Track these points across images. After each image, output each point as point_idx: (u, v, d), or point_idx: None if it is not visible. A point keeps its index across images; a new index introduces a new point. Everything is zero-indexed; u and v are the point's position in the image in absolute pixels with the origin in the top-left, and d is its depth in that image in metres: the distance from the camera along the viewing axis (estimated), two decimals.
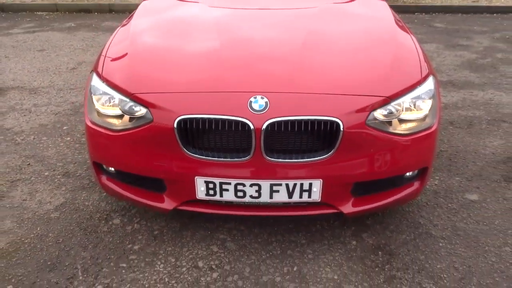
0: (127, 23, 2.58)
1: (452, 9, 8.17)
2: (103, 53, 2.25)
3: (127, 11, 7.93)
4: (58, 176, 2.73)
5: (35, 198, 2.51)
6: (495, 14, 8.09)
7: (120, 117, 1.96)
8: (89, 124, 2.04)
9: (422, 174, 2.10)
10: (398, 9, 8.11)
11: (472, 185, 2.67)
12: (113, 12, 7.91)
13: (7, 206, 2.44)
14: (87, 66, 4.91)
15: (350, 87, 1.91)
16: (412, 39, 2.36)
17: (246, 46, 2.20)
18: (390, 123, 1.92)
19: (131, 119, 1.93)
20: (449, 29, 6.87)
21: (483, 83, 4.48)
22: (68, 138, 3.23)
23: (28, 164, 2.87)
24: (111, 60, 2.16)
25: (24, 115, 3.62)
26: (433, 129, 2.00)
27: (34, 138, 3.23)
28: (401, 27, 2.52)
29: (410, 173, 2.07)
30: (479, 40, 6.18)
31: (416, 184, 2.11)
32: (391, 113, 1.91)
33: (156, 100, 1.87)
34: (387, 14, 2.64)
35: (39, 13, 7.79)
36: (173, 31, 2.40)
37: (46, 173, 2.76)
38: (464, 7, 8.25)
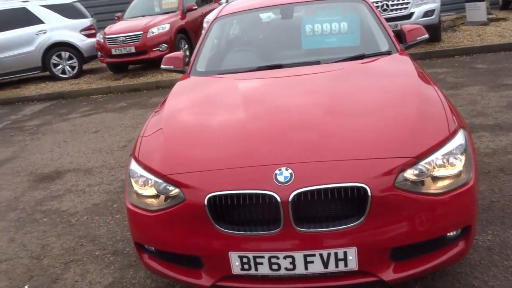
0: (161, 107, 2.77)
1: (493, 48, 8.00)
2: (139, 137, 2.42)
3: (172, 86, 8.47)
4: (108, 255, 2.85)
5: (86, 279, 2.62)
6: None
7: (156, 197, 2.07)
8: (129, 206, 2.16)
9: (466, 233, 1.99)
10: (436, 54, 8.12)
11: None
12: (160, 88, 8.46)
13: None
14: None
15: (375, 150, 1.91)
16: (437, 92, 2.34)
17: (270, 116, 2.28)
18: (423, 182, 1.87)
19: (166, 199, 2.03)
20: (492, 69, 6.69)
21: None
22: (118, 216, 3.40)
23: (81, 245, 3.03)
24: (146, 144, 2.32)
25: (79, 196, 3.87)
26: (470, 184, 1.92)
27: (87, 218, 3.42)
28: (425, 80, 2.51)
29: (453, 233, 1.97)
30: None
31: (461, 244, 2.00)
32: (421, 172, 1.87)
33: (187, 180, 1.96)
34: (410, 68, 2.66)
35: (95, 96, 8.50)
36: (202, 109, 2.56)
37: (97, 253, 2.90)
38: (506, 44, 8.05)
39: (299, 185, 1.80)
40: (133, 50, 8.90)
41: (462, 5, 10.84)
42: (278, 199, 1.79)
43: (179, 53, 3.49)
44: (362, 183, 1.78)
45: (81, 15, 10.13)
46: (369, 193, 1.78)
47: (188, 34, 9.67)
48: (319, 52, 3.19)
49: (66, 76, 9.77)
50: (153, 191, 2.07)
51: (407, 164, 1.85)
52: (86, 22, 10.06)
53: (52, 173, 4.58)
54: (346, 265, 1.86)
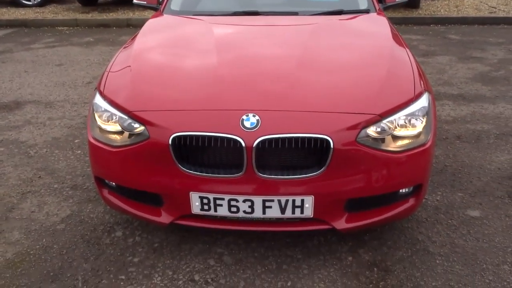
0: (131, 43, 2.68)
1: (468, 20, 8.09)
2: (106, 72, 2.34)
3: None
4: (67, 189, 2.83)
5: (43, 210, 2.61)
6: None
7: (120, 133, 2.04)
8: (91, 140, 2.12)
9: (417, 190, 2.10)
10: (413, 21, 8.14)
11: (474, 201, 2.64)
12: (131, 27, 8.12)
13: (17, 217, 2.54)
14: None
15: (341, 105, 1.94)
16: (408, 55, 2.37)
17: (242, 64, 2.26)
18: (383, 140, 1.94)
19: (130, 136, 2.01)
20: (464, 40, 6.80)
21: (495, 96, 4.43)
22: (79, 151, 3.34)
23: (39, 177, 2.98)
24: (113, 79, 2.25)
25: (39, 129, 3.76)
26: (427, 146, 2.01)
27: (46, 151, 3.35)
28: (398, 43, 2.54)
29: (405, 190, 2.08)
30: (494, 52, 6.10)
31: (411, 201, 2.11)
32: (383, 130, 1.93)
33: (153, 118, 1.94)
34: (385, 29, 2.67)
35: (60, 28, 8.07)
36: (173, 50, 2.49)
37: (55, 186, 2.87)
38: (480, 18, 8.16)
39: (264, 132, 1.82)
40: None
41: None
42: (243, 144, 1.81)
43: None
44: (325, 135, 1.82)
45: None
46: (331, 146, 1.82)
47: None
48: (297, 3, 3.13)
49: (30, 3, 9.18)
50: (117, 127, 2.04)
51: (371, 121, 1.90)
52: None
53: (11, 103, 4.39)
54: (302, 212, 1.93)
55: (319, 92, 2.01)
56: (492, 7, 8.94)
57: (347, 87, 2.05)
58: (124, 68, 2.31)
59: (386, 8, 3.18)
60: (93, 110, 2.16)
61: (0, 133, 3.68)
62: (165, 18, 3.01)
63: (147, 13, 8.53)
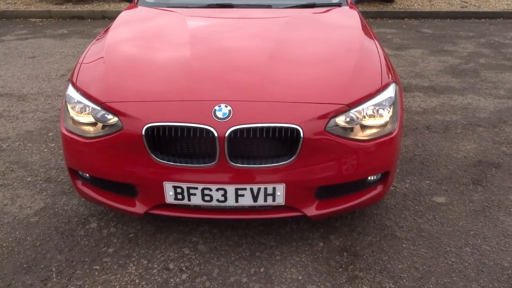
0: (104, 34, 2.67)
1: (440, 14, 8.29)
2: (79, 63, 2.34)
3: None
4: (40, 182, 2.81)
5: (16, 203, 2.59)
6: (483, 20, 8.22)
7: (93, 124, 2.05)
8: (64, 131, 2.12)
9: (384, 178, 2.18)
10: (388, 15, 8.28)
11: (441, 188, 2.75)
12: (106, 19, 8.00)
13: None
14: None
15: (311, 96, 2.00)
16: (377, 47, 2.45)
17: (215, 56, 2.28)
18: (352, 129, 2.00)
19: (103, 127, 2.02)
20: (436, 34, 6.97)
21: (464, 88, 4.58)
22: (53, 144, 3.32)
23: (11, 170, 2.95)
24: (85, 70, 2.25)
25: (11, 122, 3.71)
26: (393, 134, 2.08)
27: (19, 145, 3.31)
28: (368, 35, 2.61)
29: (373, 177, 2.15)
30: (464, 46, 6.28)
31: (379, 188, 2.19)
32: (352, 120, 1.99)
33: (125, 109, 1.95)
34: (356, 23, 2.74)
35: (33, 20, 7.89)
36: (146, 42, 2.49)
37: (29, 179, 2.85)
38: (452, 12, 8.36)
39: (236, 122, 1.86)
40: None
41: None
42: (215, 134, 1.85)
43: None
44: (295, 124, 1.88)
45: None
46: (301, 135, 1.88)
47: None
48: None
49: None
50: (90, 119, 2.05)
51: (339, 111, 1.96)
52: None
53: None
54: (274, 200, 1.99)
55: (290, 83, 2.06)
56: (464, 1, 9.17)
57: (317, 79, 2.11)
58: (96, 59, 2.31)
59: (357, 2, 3.24)
60: (65, 102, 2.16)
61: None
62: (139, 10, 3.01)
63: (123, 5, 8.42)
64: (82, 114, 2.08)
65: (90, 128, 2.05)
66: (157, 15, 2.91)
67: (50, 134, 3.50)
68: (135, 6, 3.13)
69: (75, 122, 2.10)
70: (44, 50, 5.93)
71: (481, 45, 6.31)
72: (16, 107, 4.03)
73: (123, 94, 2.02)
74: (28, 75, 4.91)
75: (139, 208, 2.08)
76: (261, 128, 1.87)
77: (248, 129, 1.86)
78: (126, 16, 2.93)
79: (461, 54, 5.86)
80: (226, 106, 1.90)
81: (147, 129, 1.89)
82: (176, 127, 1.88)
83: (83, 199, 2.59)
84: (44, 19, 7.94)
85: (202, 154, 1.93)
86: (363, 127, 2.03)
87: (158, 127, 1.89)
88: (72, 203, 2.59)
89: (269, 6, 2.96)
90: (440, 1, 9.20)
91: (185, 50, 2.31)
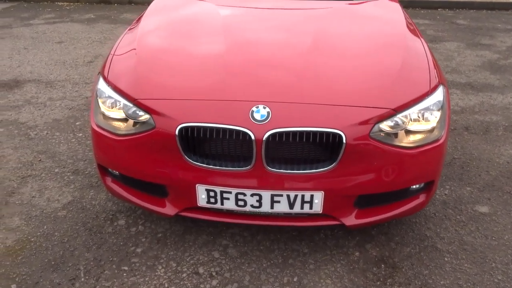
0: (136, 24, 2.58)
1: (476, 5, 7.92)
2: (110, 56, 2.26)
3: (146, 3, 7.93)
4: (68, 174, 2.77)
5: (44, 196, 2.55)
6: None
7: (124, 120, 1.97)
8: (94, 127, 2.05)
9: (428, 187, 2.05)
10: (420, 4, 7.96)
11: (483, 196, 2.60)
12: (133, 4, 7.93)
13: (17, 203, 2.49)
14: (104, 59, 4.95)
15: (355, 98, 1.87)
16: (423, 45, 2.29)
17: (251, 51, 2.17)
18: (396, 135, 1.87)
19: (135, 124, 1.94)
20: (472, 26, 6.67)
21: (503, 86, 4.35)
22: (80, 134, 3.28)
23: (39, 160, 2.92)
24: (117, 64, 2.17)
25: (39, 109, 3.68)
26: (440, 141, 1.94)
27: (47, 133, 3.28)
28: (413, 32, 2.45)
29: (416, 186, 2.02)
30: (503, 39, 5.98)
31: (421, 197, 2.06)
32: (397, 125, 1.86)
33: (159, 107, 1.86)
34: (399, 17, 2.57)
35: (60, 3, 7.88)
36: (179, 34, 2.39)
37: (56, 170, 2.81)
38: (489, 3, 7.98)
39: (275, 125, 1.75)
40: None
41: None
42: (252, 137, 1.75)
43: None
44: (338, 129, 1.76)
45: None
46: (344, 141, 1.76)
47: None
48: None
49: None
50: (121, 114, 1.97)
51: (385, 116, 1.83)
52: None
53: (10, 81, 4.30)
54: (311, 207, 1.88)
55: (332, 83, 1.94)
56: None
57: (361, 79, 1.97)
58: (128, 52, 2.22)
59: None
60: (96, 96, 2.09)
61: None
62: (171, 0, 2.89)
63: None
64: (113, 109, 2.01)
65: (121, 125, 1.98)
66: (189, 4, 2.79)
67: (77, 123, 3.45)
68: None
69: (105, 117, 2.03)
70: (71, 35, 5.90)
71: None
72: (44, 94, 4.01)
73: (156, 91, 1.93)
74: (55, 61, 4.89)
75: (169, 210, 2.01)
76: (301, 132, 1.76)
77: (288, 133, 1.75)
78: (158, 5, 2.83)
79: (500, 48, 5.58)
80: (264, 108, 1.79)
81: (180, 129, 1.80)
82: (211, 128, 1.78)
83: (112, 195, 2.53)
84: (71, 3, 7.92)
85: (238, 157, 1.83)
86: (408, 133, 1.90)
87: (192, 127, 1.79)
88: (100, 198, 2.54)
89: None
90: None
91: (220, 43, 2.20)
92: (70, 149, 3.07)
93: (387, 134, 1.85)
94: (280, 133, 1.75)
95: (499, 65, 4.97)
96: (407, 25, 2.48)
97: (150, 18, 2.61)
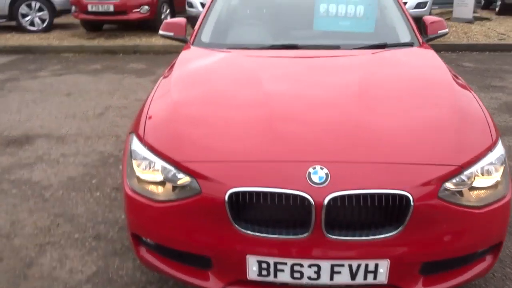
0: (167, 77, 2.45)
1: (478, 47, 8.03)
2: (144, 112, 2.11)
3: (151, 52, 8.00)
4: (89, 239, 2.56)
5: (65, 266, 2.33)
6: None
7: (161, 184, 1.81)
8: (129, 192, 1.88)
9: (495, 248, 1.87)
10: None
11: None
12: (138, 53, 7.96)
13: (36, 276, 2.26)
14: (114, 111, 4.84)
15: (418, 155, 1.72)
16: (473, 95, 2.18)
17: (299, 106, 2.04)
18: (461, 193, 1.72)
19: (174, 188, 1.77)
20: (479, 68, 6.69)
21: None
22: (98, 194, 3.09)
23: (57, 225, 2.72)
24: (153, 122, 2.02)
25: (52, 167, 3.51)
26: (507, 198, 1.79)
27: (62, 194, 3.09)
28: (457, 80, 2.35)
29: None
30: None
31: (488, 259, 1.88)
32: (463, 182, 1.71)
33: (205, 170, 1.70)
34: (441, 65, 2.49)
35: (66, 54, 7.89)
36: (218, 87, 2.26)
37: (76, 236, 2.60)
38: (491, 45, 8.11)
39: (336, 188, 1.59)
40: (111, 8, 8.30)
41: (449, 0, 10.85)
42: (312, 201, 1.58)
43: (180, 20, 3.15)
44: (405, 190, 1.60)
45: None
46: (411, 203, 1.60)
47: None
48: (336, 35, 2.95)
49: (35, 28, 9.04)
50: (157, 177, 1.81)
51: (452, 173, 1.68)
52: None
53: (20, 136, 4.15)
54: (375, 278, 1.69)
55: (390, 139, 1.80)
56: (501, 34, 8.91)
57: (419, 133, 1.84)
58: (165, 110, 2.08)
59: (428, 41, 3.00)
60: (130, 157, 1.93)
61: (11, 172, 3.42)
62: (200, 52, 2.78)
63: (154, 40, 8.41)
64: (148, 171, 1.84)
65: (159, 189, 1.81)
66: (221, 58, 2.68)
67: (93, 181, 3.27)
68: (191, 46, 2.92)
69: (141, 181, 1.86)
70: (79, 87, 5.83)
71: None
72: (56, 149, 3.85)
73: (201, 153, 1.78)
74: (65, 114, 4.77)
75: (213, 283, 1.80)
76: (365, 195, 1.59)
77: (350, 196, 1.59)
78: (188, 58, 2.71)
79: None
80: (321, 169, 1.64)
81: (230, 194, 1.63)
82: (265, 193, 1.61)
83: (139, 262, 2.32)
84: (77, 54, 7.94)
85: (293, 224, 1.65)
86: (473, 190, 1.74)
87: (243, 192, 1.63)
88: (127, 267, 2.32)
89: (337, 47, 2.73)
90: (476, 33, 8.97)
91: (263, 98, 2.07)
92: (88, 210, 2.88)
93: (453, 193, 1.69)
94: (342, 197, 1.59)
95: None
96: (450, 73, 2.38)
97: (182, 73, 2.49)
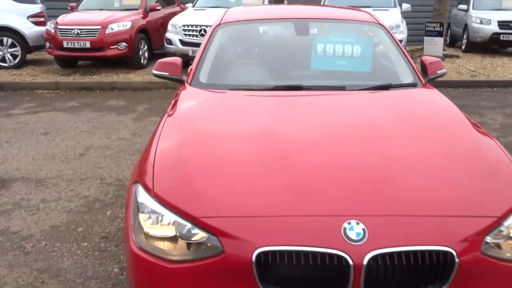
0: (170, 121, 2.28)
1: (452, 84, 8.27)
2: (150, 160, 1.93)
3: (130, 89, 7.81)
4: None
5: None
6: (495, 88, 8.21)
7: (172, 240, 1.62)
8: (135, 250, 1.68)
9: None
10: None
11: None
12: (116, 90, 7.75)
13: None
14: (96, 151, 4.60)
15: (457, 206, 1.62)
16: (494, 140, 2.13)
17: (320, 154, 1.91)
18: (499, 246, 1.61)
19: (188, 246, 1.59)
20: (458, 105, 6.72)
21: None
22: (85, 244, 2.83)
23: (41, 282, 2.44)
24: (162, 171, 1.83)
25: (32, 214, 3.23)
26: None
27: (46, 245, 2.82)
28: (472, 122, 2.31)
29: None
30: (492, 117, 6.12)
31: None
32: (501, 233, 1.61)
33: (228, 227, 1.54)
34: (453, 107, 2.47)
35: (40, 91, 7.58)
36: (231, 134, 2.10)
37: None
38: (463, 81, 8.38)
39: (375, 245, 1.46)
40: (88, 45, 8.11)
41: (419, 38, 11.26)
42: (350, 261, 1.43)
43: (175, 59, 3.01)
44: (449, 246, 1.48)
45: (31, 0, 9.10)
46: (456, 259, 1.48)
47: (148, 35, 9.05)
48: (336, 75, 2.89)
49: (6, 65, 8.69)
50: (168, 232, 1.63)
51: (493, 225, 1.59)
52: (36, 8, 9.04)
53: None
54: None
55: (427, 189, 1.69)
56: (472, 71, 9.25)
57: (454, 182, 1.75)
58: (175, 157, 1.90)
59: (428, 82, 2.99)
60: (137, 210, 1.74)
61: None
62: (201, 94, 2.62)
63: (132, 76, 8.23)
64: (158, 226, 1.66)
65: (172, 246, 1.62)
66: (227, 101, 2.54)
67: (79, 229, 3.01)
68: (189, 86, 2.76)
69: (149, 237, 1.67)
70: (56, 125, 5.55)
71: (509, 116, 6.16)
72: (35, 194, 3.56)
73: (222, 207, 1.61)
74: (43, 155, 4.49)
75: None
76: (407, 253, 1.46)
77: (391, 254, 1.46)
78: (190, 101, 2.53)
79: (494, 126, 5.67)
80: (358, 224, 1.50)
81: (258, 254, 1.47)
82: (297, 252, 1.46)
83: None
84: (52, 91, 7.64)
85: (328, 285, 1.49)
86: (509, 240, 1.64)
87: (273, 252, 1.47)
88: None
89: (342, 88, 2.66)
90: (448, 70, 9.23)
91: (282, 148, 1.91)
92: (76, 264, 2.61)
93: (492, 246, 1.59)
94: (382, 255, 1.45)
95: (501, 142, 4.97)
96: (464, 115, 2.34)
97: (189, 116, 2.31)
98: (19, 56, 8.77)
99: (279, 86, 2.65)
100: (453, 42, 13.71)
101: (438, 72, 3.03)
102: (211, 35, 3.10)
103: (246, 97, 2.53)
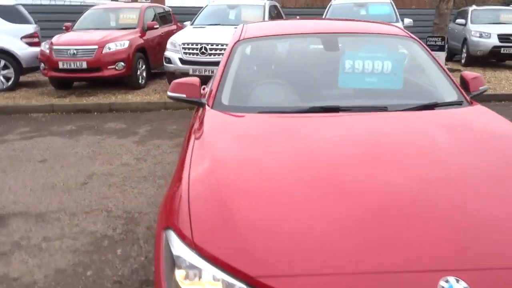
0: (199, 150, 1.96)
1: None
2: (184, 201, 1.61)
3: (129, 110, 7.51)
4: None
5: None
6: (503, 102, 8.10)
7: None
8: None
9: None
10: None
11: None
12: (114, 112, 7.45)
13: None
14: (99, 179, 4.27)
15: None
16: None
17: (394, 193, 1.61)
18: None
19: None
20: None
21: None
22: None
23: None
24: (203, 216, 1.52)
25: (34, 256, 2.88)
26: None
27: None
28: None
29: None
30: None
31: None
32: None
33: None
34: (506, 123, 2.22)
35: (35, 114, 7.25)
36: (278, 167, 1.77)
37: None
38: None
39: None
40: (84, 65, 7.81)
41: None
42: None
43: (193, 79, 2.72)
44: None
45: (24, 21, 8.82)
46: None
47: (146, 54, 8.80)
48: (373, 94, 2.63)
49: None
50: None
51: None
52: (30, 28, 8.75)
53: None
54: None
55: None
56: None
57: None
58: (218, 199, 1.58)
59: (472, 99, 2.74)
60: (172, 265, 1.43)
61: None
62: (229, 119, 2.33)
63: (131, 97, 7.95)
64: (199, 282, 1.36)
65: None
66: (257, 125, 2.21)
67: (88, 273, 2.68)
68: (211, 109, 2.47)
69: None
70: (54, 151, 5.22)
71: None
72: (36, 232, 3.22)
73: (285, 263, 1.31)
74: (42, 185, 4.15)
75: None
76: None
77: None
78: (218, 127, 2.23)
79: None
80: (457, 281, 1.21)
81: None
82: None
83: None
84: (47, 114, 7.32)
85: None
86: None
87: None
88: None
89: (384, 109, 2.39)
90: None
91: (346, 186, 1.63)
92: None
93: None
94: None
95: None
96: None
97: (223, 147, 2.01)
98: (12, 78, 8.45)
99: (315, 108, 2.37)
100: (450, 56, 13.67)
101: (480, 88, 2.78)
102: (230, 52, 2.83)
103: (280, 121, 2.24)
